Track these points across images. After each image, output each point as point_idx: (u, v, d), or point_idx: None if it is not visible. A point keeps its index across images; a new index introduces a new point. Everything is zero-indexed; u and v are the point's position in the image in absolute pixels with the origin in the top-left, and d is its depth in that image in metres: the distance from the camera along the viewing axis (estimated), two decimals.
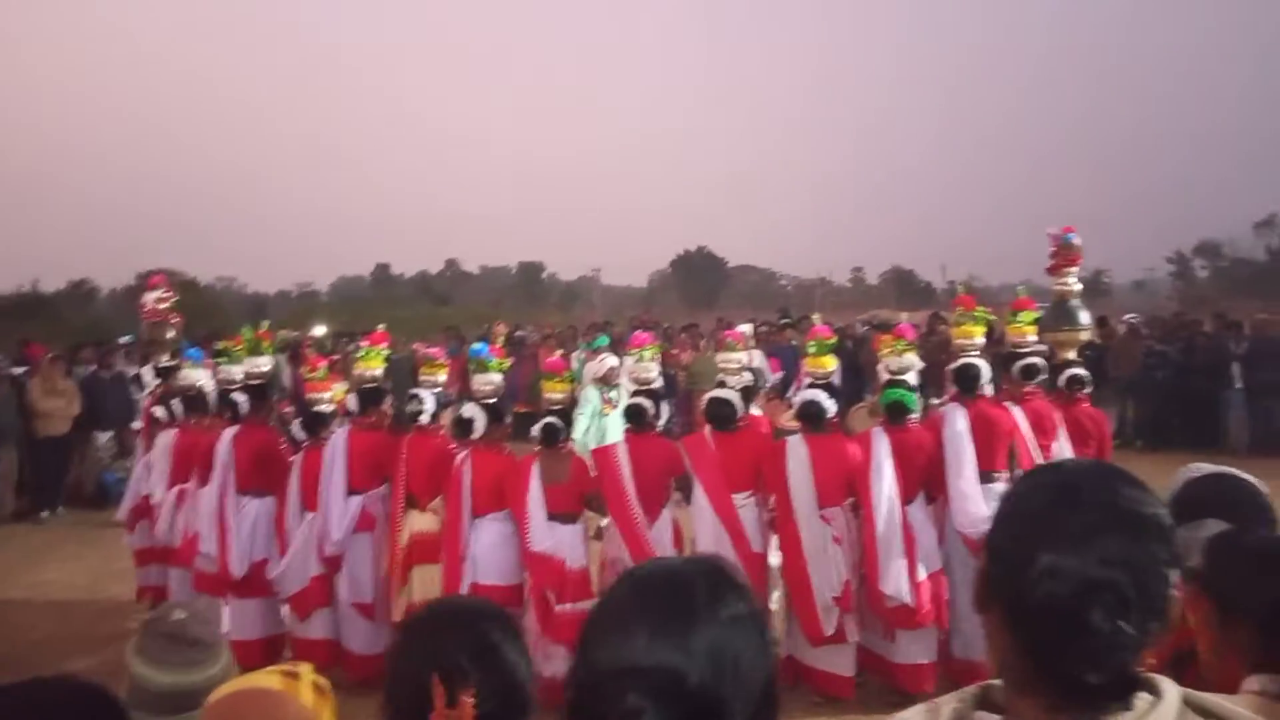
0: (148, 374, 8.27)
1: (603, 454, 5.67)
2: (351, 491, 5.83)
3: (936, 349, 10.16)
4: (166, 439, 6.90)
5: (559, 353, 11.49)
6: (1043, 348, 6.24)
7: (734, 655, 1.11)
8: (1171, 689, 1.17)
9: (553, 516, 5.37)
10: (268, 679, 1.79)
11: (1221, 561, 1.92)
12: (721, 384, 5.86)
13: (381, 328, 6.50)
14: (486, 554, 5.45)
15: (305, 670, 1.86)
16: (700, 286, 51.21)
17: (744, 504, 5.43)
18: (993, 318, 6.53)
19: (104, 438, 12.04)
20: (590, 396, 9.20)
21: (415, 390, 5.96)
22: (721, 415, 5.57)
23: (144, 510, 7.07)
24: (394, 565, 5.70)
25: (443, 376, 6.16)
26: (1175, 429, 13.22)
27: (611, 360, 9.69)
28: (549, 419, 5.55)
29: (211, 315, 27.01)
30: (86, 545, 9.59)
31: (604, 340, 12.25)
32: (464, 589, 5.33)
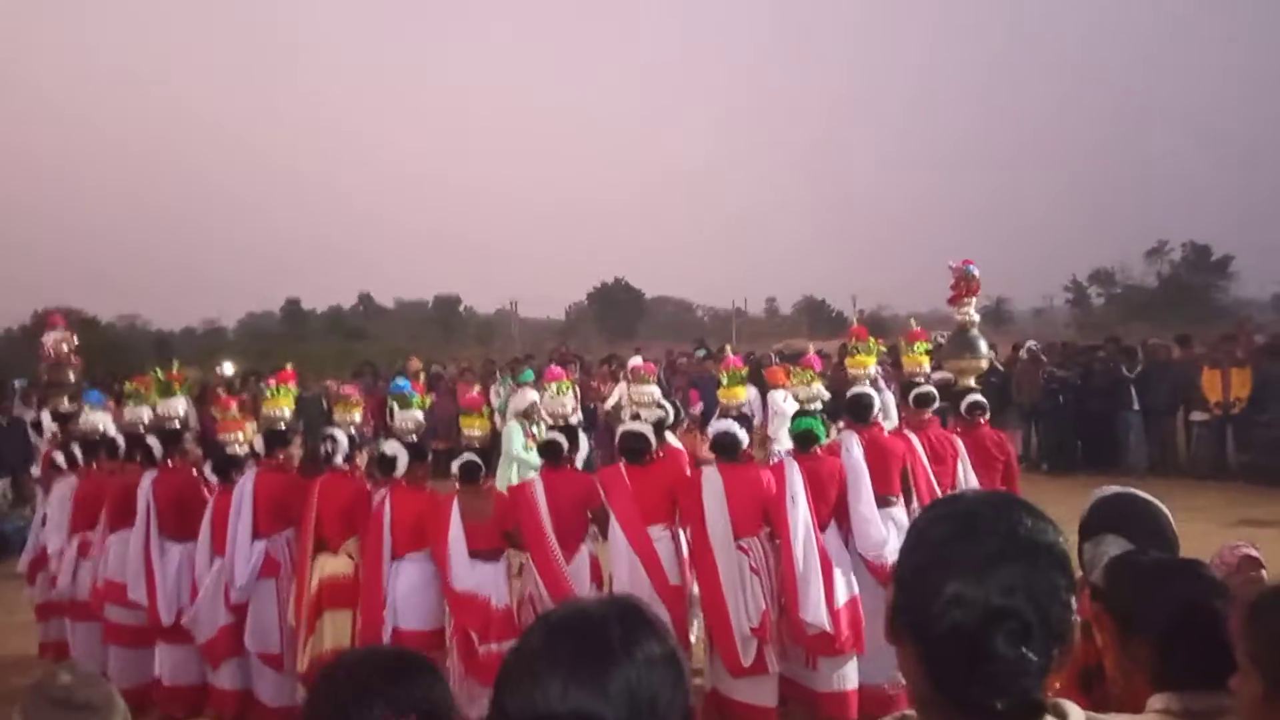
0: (47, 419, 7.98)
1: (519, 490, 5.64)
2: (256, 535, 5.67)
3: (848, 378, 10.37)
4: (64, 487, 6.66)
5: (478, 388, 11.43)
6: (937, 376, 6.46)
7: (650, 696, 1.11)
8: (1075, 711, 1.21)
9: (474, 554, 5.31)
10: None
11: (1120, 581, 1.99)
12: (635, 416, 5.89)
13: (290, 366, 6.37)
14: (406, 598, 5.36)
15: None
16: (618, 318, 51.23)
17: (660, 537, 5.43)
18: (883, 349, 6.73)
19: None
20: (514, 431, 9.17)
21: (328, 430, 5.86)
22: (635, 448, 5.59)
23: (44, 562, 6.78)
24: (301, 612, 5.52)
25: (357, 416, 6.04)
26: (1077, 452, 13.74)
27: (533, 394, 9.68)
28: (468, 456, 5.51)
29: (114, 355, 26.10)
30: None
31: (529, 375, 12.25)
32: (385, 634, 5.22)
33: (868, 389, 5.89)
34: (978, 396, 6.43)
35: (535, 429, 9.12)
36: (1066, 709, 1.21)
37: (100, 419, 6.77)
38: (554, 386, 5.95)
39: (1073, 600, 1.20)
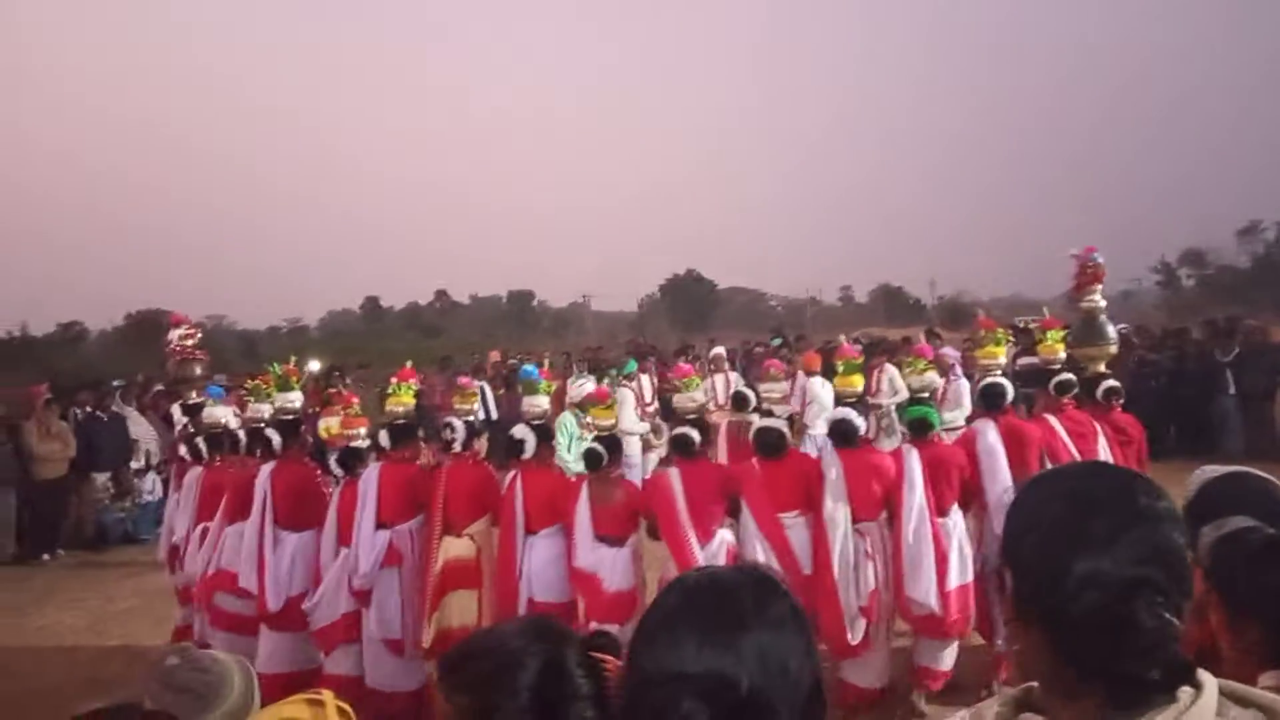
0: (177, 412, 8.26)
1: (655, 480, 5.78)
2: (380, 526, 5.84)
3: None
4: (192, 476, 6.90)
5: (594, 381, 11.59)
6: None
7: (782, 659, 1.14)
8: (1210, 680, 1.20)
9: (599, 538, 5.46)
10: (294, 709, 1.83)
11: (1226, 562, 1.95)
12: (769, 413, 5.93)
13: (409, 364, 6.56)
14: (541, 571, 5.56)
15: (329, 696, 1.88)
16: (691, 309, 51.11)
17: (792, 524, 5.50)
18: (1011, 339, 6.78)
19: (101, 479, 12.06)
20: (567, 421, 9.31)
21: (448, 419, 6.09)
22: (770, 443, 5.66)
23: (179, 551, 7.02)
24: (426, 592, 5.72)
25: (476, 405, 6.19)
26: (1170, 437, 13.32)
27: (590, 385, 9.79)
28: (590, 445, 5.67)
29: (201, 348, 26.88)
30: (88, 588, 9.58)
31: (632, 365, 12.38)
32: (521, 606, 5.44)
33: (1000, 378, 6.04)
34: (1114, 382, 6.53)
35: (590, 418, 9.23)
36: (1201, 677, 1.20)
37: (222, 413, 6.99)
38: (684, 382, 6.00)
39: (1189, 555, 1.21)
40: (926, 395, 5.89)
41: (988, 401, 6.01)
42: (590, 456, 5.60)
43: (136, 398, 13.86)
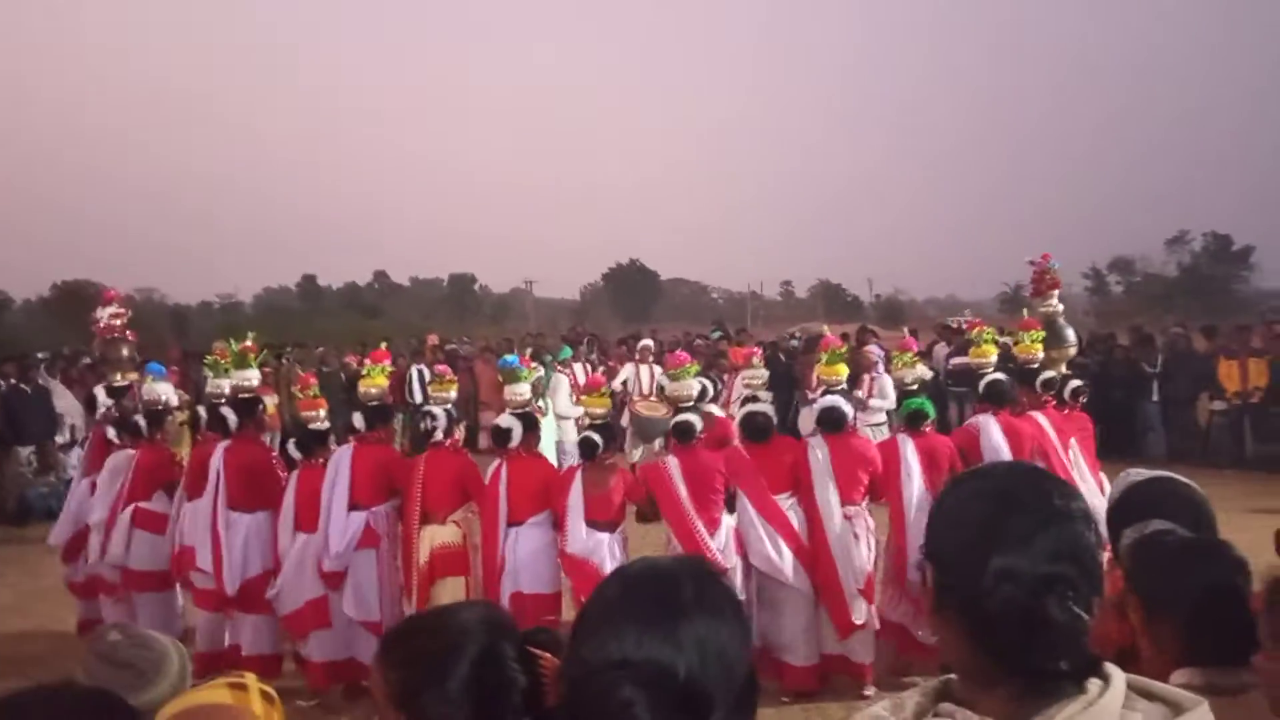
0: (101, 394, 7.97)
1: (651, 469, 5.81)
2: (354, 507, 5.75)
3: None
4: (119, 460, 6.60)
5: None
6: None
7: (720, 647, 1.16)
8: (1118, 673, 1.25)
9: (592, 524, 5.48)
10: (216, 693, 1.79)
11: (1144, 562, 2.04)
12: (754, 398, 6.05)
13: (384, 345, 6.47)
14: (527, 562, 5.53)
15: (252, 680, 1.86)
16: (633, 299, 51.26)
17: (787, 505, 5.64)
18: (1004, 339, 6.99)
19: (24, 452, 11.74)
20: None
21: (427, 407, 6.04)
22: (758, 427, 5.79)
23: (84, 539, 6.69)
24: (411, 581, 5.67)
25: (453, 393, 6.14)
26: (1096, 440, 13.69)
27: (538, 371, 9.82)
28: (586, 434, 5.69)
29: (131, 328, 26.24)
30: (9, 564, 9.30)
31: (567, 352, 12.36)
32: (504, 598, 5.38)
33: (1001, 376, 6.24)
34: (1079, 382, 6.80)
35: (541, 404, 9.27)
36: (1109, 670, 1.25)
37: (163, 390, 6.82)
38: (680, 370, 6.02)
39: (1103, 555, 1.28)
40: (916, 387, 6.15)
41: (993, 399, 6.12)
42: (586, 445, 5.63)
43: (62, 371, 13.51)
